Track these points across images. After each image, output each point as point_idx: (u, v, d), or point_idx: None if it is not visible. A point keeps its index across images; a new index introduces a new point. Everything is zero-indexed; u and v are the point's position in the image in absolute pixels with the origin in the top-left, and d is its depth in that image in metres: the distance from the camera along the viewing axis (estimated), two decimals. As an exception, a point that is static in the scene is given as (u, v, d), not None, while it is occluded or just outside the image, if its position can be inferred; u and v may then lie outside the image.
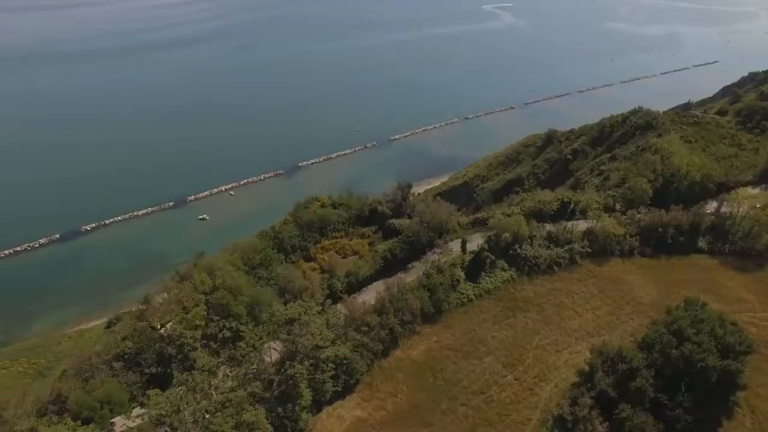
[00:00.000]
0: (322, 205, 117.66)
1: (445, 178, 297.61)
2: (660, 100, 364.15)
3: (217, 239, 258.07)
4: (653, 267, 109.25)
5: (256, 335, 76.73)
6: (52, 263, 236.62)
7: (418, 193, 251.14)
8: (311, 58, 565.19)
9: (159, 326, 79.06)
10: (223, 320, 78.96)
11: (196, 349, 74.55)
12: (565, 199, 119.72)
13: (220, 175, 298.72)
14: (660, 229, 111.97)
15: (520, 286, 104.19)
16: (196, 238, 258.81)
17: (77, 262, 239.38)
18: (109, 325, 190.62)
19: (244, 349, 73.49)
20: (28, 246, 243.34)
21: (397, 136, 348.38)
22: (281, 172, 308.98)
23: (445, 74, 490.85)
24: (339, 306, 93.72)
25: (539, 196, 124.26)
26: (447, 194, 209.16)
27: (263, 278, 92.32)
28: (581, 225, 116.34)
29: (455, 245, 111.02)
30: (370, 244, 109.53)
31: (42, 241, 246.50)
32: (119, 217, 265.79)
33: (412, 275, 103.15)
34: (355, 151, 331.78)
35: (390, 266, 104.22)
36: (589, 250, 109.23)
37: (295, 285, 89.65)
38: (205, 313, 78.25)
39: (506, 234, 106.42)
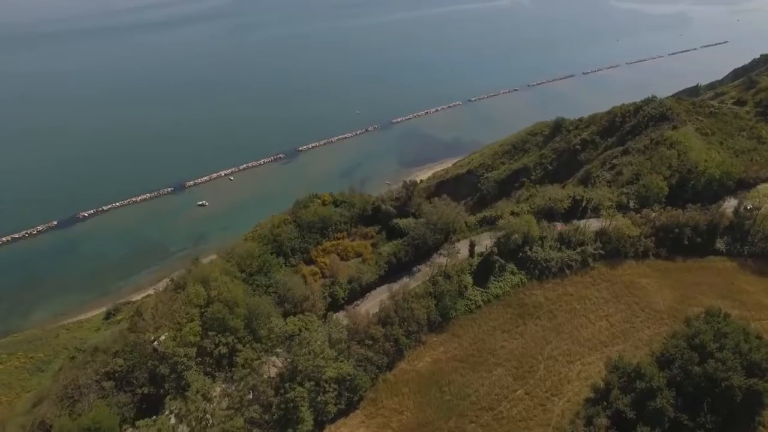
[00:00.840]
0: (323, 203, 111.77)
1: (447, 164, 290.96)
2: (667, 82, 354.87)
3: (217, 226, 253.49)
4: (669, 270, 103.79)
5: (254, 353, 71.73)
6: (51, 251, 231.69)
7: (421, 180, 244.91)
8: (311, 39, 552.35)
9: (152, 339, 74.04)
10: (219, 335, 73.94)
11: (191, 368, 69.69)
12: (577, 197, 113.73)
13: (219, 160, 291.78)
14: (676, 230, 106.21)
15: (530, 291, 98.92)
16: (195, 225, 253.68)
17: (75, 250, 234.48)
18: (107, 315, 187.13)
19: (241, 371, 68.58)
20: (26, 233, 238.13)
21: (398, 119, 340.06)
22: (281, 156, 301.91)
23: (448, 55, 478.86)
24: (341, 314, 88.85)
25: (549, 192, 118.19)
26: (451, 183, 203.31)
27: (261, 286, 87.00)
28: (593, 224, 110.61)
29: (462, 245, 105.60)
30: (373, 245, 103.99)
31: (40, 228, 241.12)
32: (117, 203, 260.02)
33: (417, 279, 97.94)
34: (356, 134, 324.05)
35: (394, 270, 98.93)
36: (602, 252, 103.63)
37: (295, 294, 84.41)
38: (200, 328, 73.16)
39: (516, 236, 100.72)
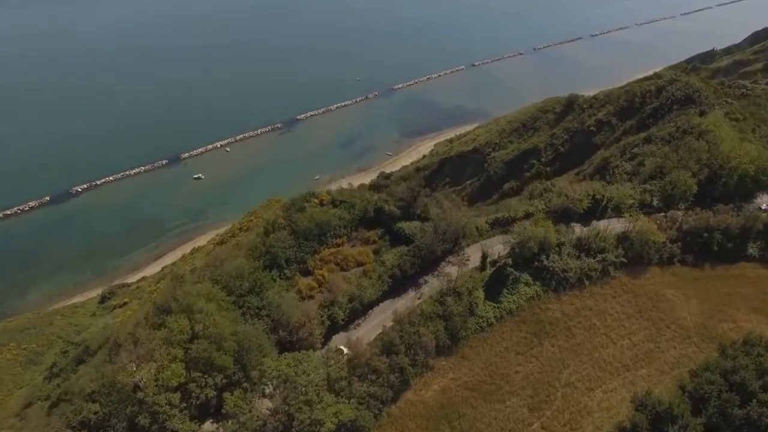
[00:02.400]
0: (321, 203, 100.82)
1: (451, 134, 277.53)
2: (680, 45, 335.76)
3: (214, 200, 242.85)
4: (696, 279, 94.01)
5: (245, 402, 62.90)
6: (44, 228, 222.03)
7: (423, 155, 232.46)
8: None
9: (132, 379, 65.17)
10: (206, 376, 65.02)
11: (174, 416, 61.15)
12: (597, 196, 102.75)
13: (215, 130, 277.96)
14: (705, 234, 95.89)
15: (546, 305, 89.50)
16: (192, 199, 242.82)
17: (69, 227, 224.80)
18: (102, 299, 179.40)
19: (229, 427, 60.04)
20: (18, 209, 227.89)
21: (399, 86, 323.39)
22: (279, 125, 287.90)
23: (450, 15, 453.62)
24: (341, 338, 79.96)
25: (565, 188, 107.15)
26: (455, 160, 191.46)
27: (253, 308, 77.48)
28: (614, 225, 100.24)
29: (473, 250, 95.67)
30: (375, 251, 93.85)
31: (31, 204, 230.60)
32: (111, 177, 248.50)
33: (423, 293, 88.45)
34: (355, 101, 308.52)
35: (399, 282, 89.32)
36: (624, 260, 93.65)
37: (290, 319, 75.06)
38: (184, 370, 64.22)
39: (531, 243, 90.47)
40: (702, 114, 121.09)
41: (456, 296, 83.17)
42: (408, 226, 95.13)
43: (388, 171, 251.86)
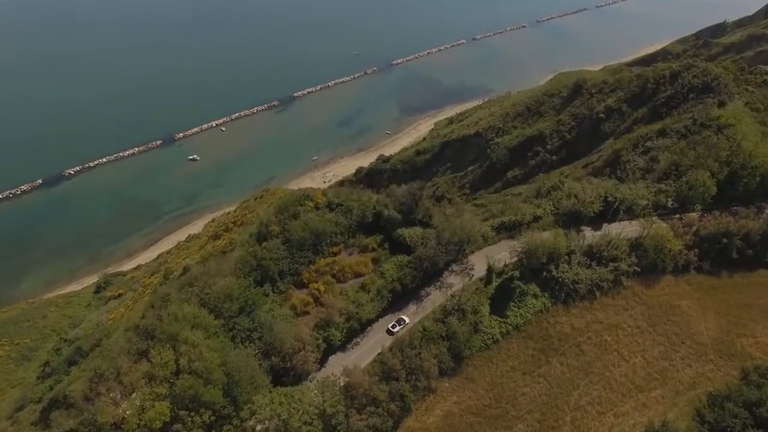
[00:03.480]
0: (316, 206, 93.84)
1: (452, 111, 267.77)
2: (689, 17, 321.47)
3: (209, 182, 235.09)
4: (713, 288, 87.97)
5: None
6: (37, 212, 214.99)
7: (423, 138, 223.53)
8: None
9: (112, 417, 59.78)
10: (192, 414, 59.62)
11: (157, 463, 56.17)
12: (609, 198, 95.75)
13: (209, 109, 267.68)
14: (724, 240, 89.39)
15: (555, 318, 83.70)
16: (187, 182, 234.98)
17: (63, 211, 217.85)
18: (97, 289, 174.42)
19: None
20: (10, 193, 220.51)
21: (399, 61, 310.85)
22: (275, 103, 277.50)
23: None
24: (338, 359, 74.56)
25: (574, 188, 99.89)
26: (457, 144, 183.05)
27: (244, 330, 71.62)
28: (627, 229, 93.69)
29: (477, 257, 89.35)
30: (374, 260, 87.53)
31: (24, 187, 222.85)
32: (104, 159, 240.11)
33: (425, 307, 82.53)
34: (354, 77, 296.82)
35: (399, 295, 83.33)
36: (638, 269, 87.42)
37: (283, 345, 69.30)
38: (169, 410, 58.76)
39: (540, 254, 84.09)
40: (721, 105, 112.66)
41: (460, 314, 77.23)
42: (409, 234, 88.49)
43: (387, 152, 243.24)
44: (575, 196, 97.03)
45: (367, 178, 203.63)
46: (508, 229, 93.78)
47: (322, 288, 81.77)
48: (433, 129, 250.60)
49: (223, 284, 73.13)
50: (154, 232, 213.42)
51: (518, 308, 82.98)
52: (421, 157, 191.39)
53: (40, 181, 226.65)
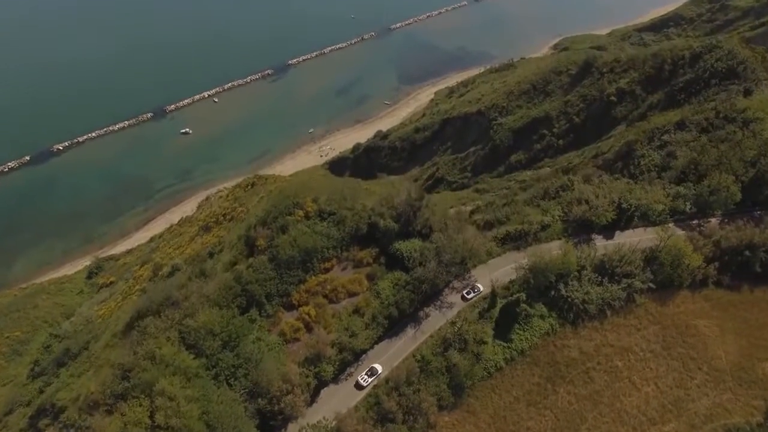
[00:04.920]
0: (306, 216, 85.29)
1: (452, 80, 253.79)
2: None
3: (202, 157, 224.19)
4: (733, 305, 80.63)
5: None
6: (26, 191, 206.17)
7: (424, 114, 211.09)
8: None
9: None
10: (168, 477, 53.80)
11: None
12: (623, 204, 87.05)
13: (201, 79, 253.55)
14: (746, 252, 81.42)
15: (563, 341, 76.89)
16: (179, 157, 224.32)
17: (52, 189, 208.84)
18: (89, 274, 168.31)
19: None
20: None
21: (397, 25, 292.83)
22: (269, 72, 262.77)
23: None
24: (329, 392, 68.24)
25: (585, 192, 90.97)
26: (459, 122, 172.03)
27: (228, 367, 64.87)
28: (641, 238, 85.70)
29: (481, 271, 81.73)
30: (369, 277, 79.92)
31: (11, 164, 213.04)
32: (94, 134, 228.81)
33: (424, 330, 75.52)
34: (351, 43, 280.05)
35: (395, 319, 76.20)
36: (652, 285, 79.91)
37: (271, 386, 62.64)
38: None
39: (548, 273, 76.44)
40: (747, 93, 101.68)
41: (461, 343, 70.28)
42: (407, 248, 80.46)
43: (386, 123, 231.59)
44: (586, 201, 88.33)
45: (365, 155, 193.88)
46: (514, 240, 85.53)
47: (312, 312, 74.58)
48: (433, 99, 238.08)
49: (204, 319, 65.73)
50: (147, 210, 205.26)
51: (524, 331, 76.10)
52: (420, 135, 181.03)
53: (27, 158, 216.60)
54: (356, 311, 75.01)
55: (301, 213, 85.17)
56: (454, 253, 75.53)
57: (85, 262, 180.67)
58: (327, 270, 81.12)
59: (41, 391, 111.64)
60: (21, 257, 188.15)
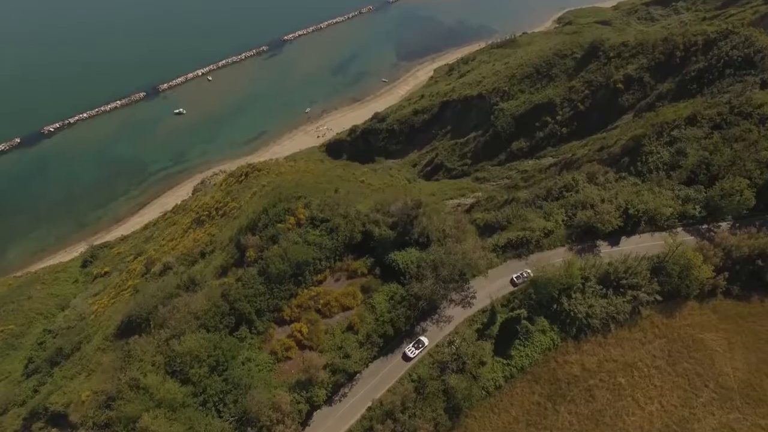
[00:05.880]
0: (298, 223, 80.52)
1: (451, 56, 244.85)
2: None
3: (197, 139, 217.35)
4: (742, 317, 76.67)
5: None
6: (17, 174, 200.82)
7: (422, 95, 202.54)
8: None
9: None
10: None
11: None
12: (631, 210, 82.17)
13: (195, 57, 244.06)
14: (758, 262, 77.10)
15: (564, 357, 73.37)
16: (174, 138, 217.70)
17: (45, 173, 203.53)
18: (84, 263, 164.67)
19: None
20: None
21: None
22: (264, 48, 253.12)
23: None
24: (322, 418, 65.08)
25: (591, 195, 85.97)
26: (459, 105, 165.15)
27: (216, 393, 61.43)
28: (648, 244, 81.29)
29: (479, 283, 77.51)
30: (363, 289, 75.81)
31: (1, 147, 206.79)
32: (85, 114, 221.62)
33: (420, 347, 71.94)
34: (347, 18, 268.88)
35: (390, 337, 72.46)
36: (659, 297, 75.93)
37: (261, 417, 59.33)
38: None
39: (551, 288, 72.34)
40: (765, 85, 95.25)
41: (459, 363, 66.73)
42: (403, 259, 76.04)
43: (384, 102, 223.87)
44: (591, 206, 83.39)
45: (363, 138, 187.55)
46: (516, 247, 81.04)
47: (305, 330, 70.75)
48: (432, 77, 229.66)
49: (190, 345, 61.82)
50: (141, 195, 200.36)
51: (524, 347, 72.49)
52: (419, 117, 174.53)
53: (18, 140, 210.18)
54: (350, 328, 71.17)
55: (292, 220, 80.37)
56: (453, 269, 71.01)
57: (80, 249, 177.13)
58: (320, 282, 76.97)
59: (35, 391, 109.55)
60: (14, 244, 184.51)
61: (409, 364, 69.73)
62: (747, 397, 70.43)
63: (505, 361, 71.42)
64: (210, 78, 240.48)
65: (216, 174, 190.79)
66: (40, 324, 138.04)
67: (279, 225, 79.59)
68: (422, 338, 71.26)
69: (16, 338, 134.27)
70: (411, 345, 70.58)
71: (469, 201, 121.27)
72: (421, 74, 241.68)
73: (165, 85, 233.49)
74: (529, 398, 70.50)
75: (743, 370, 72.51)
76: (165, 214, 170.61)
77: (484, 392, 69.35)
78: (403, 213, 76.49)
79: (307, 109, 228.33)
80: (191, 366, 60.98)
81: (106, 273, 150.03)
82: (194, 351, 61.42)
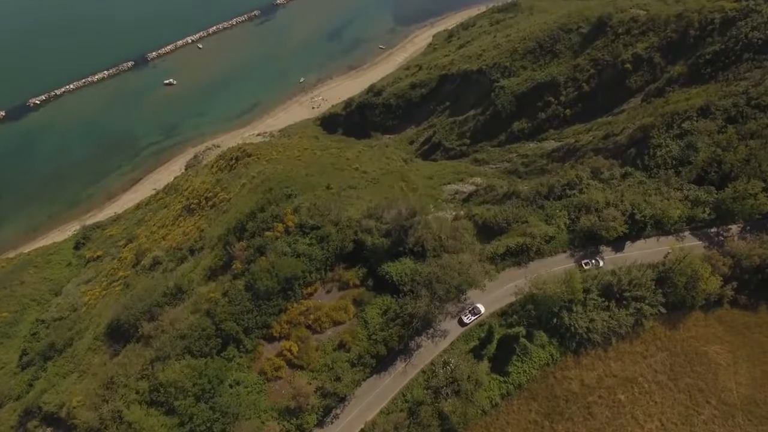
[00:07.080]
0: (287, 231, 75.58)
1: (451, 21, 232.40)
2: None
3: (189, 111, 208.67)
4: (748, 328, 73.11)
5: None
6: (4, 150, 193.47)
7: (419, 67, 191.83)
8: None
9: None
10: None
11: None
12: (637, 215, 77.09)
13: (184, 23, 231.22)
14: (768, 271, 72.88)
15: (563, 372, 70.26)
16: (165, 110, 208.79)
17: (33, 148, 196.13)
18: (77, 245, 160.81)
19: None
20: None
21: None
22: (256, 13, 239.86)
23: None
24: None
25: (595, 196, 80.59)
26: (458, 79, 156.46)
27: (204, 422, 58.50)
28: (653, 249, 76.91)
29: (477, 294, 73.47)
30: (356, 302, 71.90)
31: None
32: (72, 86, 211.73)
33: (415, 364, 68.66)
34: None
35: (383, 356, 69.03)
36: (663, 309, 72.15)
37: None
38: None
39: (551, 304, 68.41)
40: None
41: (455, 386, 63.60)
42: (397, 270, 71.70)
43: (381, 72, 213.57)
44: (596, 210, 78.26)
45: (358, 112, 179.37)
46: (515, 255, 76.50)
47: (294, 348, 67.31)
48: (431, 43, 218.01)
49: (174, 376, 58.30)
50: (133, 170, 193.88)
51: (521, 363, 69.25)
52: (416, 91, 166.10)
53: (2, 114, 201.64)
54: (342, 346, 67.65)
55: (281, 227, 75.39)
56: (448, 287, 66.70)
57: (72, 228, 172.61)
58: (310, 294, 72.92)
59: (30, 384, 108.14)
60: (5, 223, 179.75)
61: (404, 382, 66.65)
62: (750, 414, 67.85)
63: (501, 378, 68.44)
64: (200, 45, 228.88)
65: (209, 148, 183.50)
66: (33, 311, 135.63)
67: (267, 233, 74.65)
68: (478, 305, 71.54)
69: (10, 326, 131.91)
70: (467, 311, 71.25)
71: (467, 188, 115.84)
72: (420, 40, 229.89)
73: (154, 53, 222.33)
74: (526, 416, 67.88)
75: (747, 384, 69.61)
76: (157, 194, 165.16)
77: (479, 411, 66.66)
78: (398, 224, 71.39)
79: (302, 79, 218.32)
80: (176, 398, 57.76)
81: (98, 257, 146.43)
82: (179, 382, 58.05)
